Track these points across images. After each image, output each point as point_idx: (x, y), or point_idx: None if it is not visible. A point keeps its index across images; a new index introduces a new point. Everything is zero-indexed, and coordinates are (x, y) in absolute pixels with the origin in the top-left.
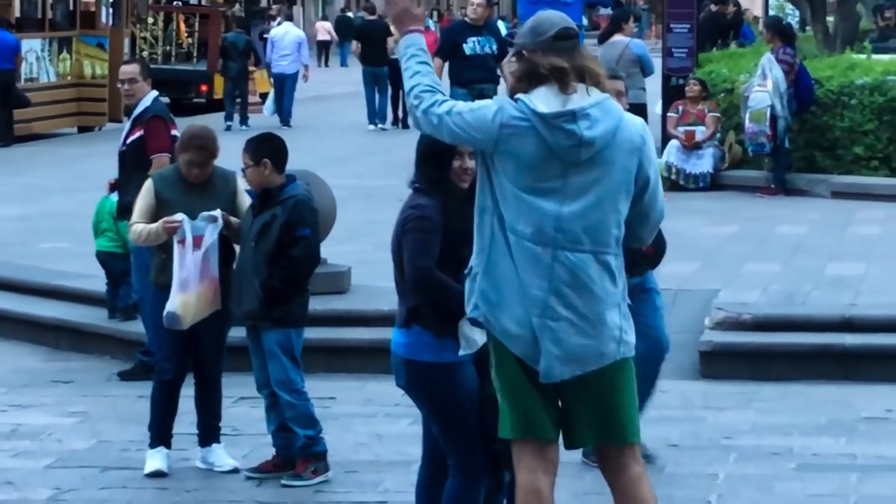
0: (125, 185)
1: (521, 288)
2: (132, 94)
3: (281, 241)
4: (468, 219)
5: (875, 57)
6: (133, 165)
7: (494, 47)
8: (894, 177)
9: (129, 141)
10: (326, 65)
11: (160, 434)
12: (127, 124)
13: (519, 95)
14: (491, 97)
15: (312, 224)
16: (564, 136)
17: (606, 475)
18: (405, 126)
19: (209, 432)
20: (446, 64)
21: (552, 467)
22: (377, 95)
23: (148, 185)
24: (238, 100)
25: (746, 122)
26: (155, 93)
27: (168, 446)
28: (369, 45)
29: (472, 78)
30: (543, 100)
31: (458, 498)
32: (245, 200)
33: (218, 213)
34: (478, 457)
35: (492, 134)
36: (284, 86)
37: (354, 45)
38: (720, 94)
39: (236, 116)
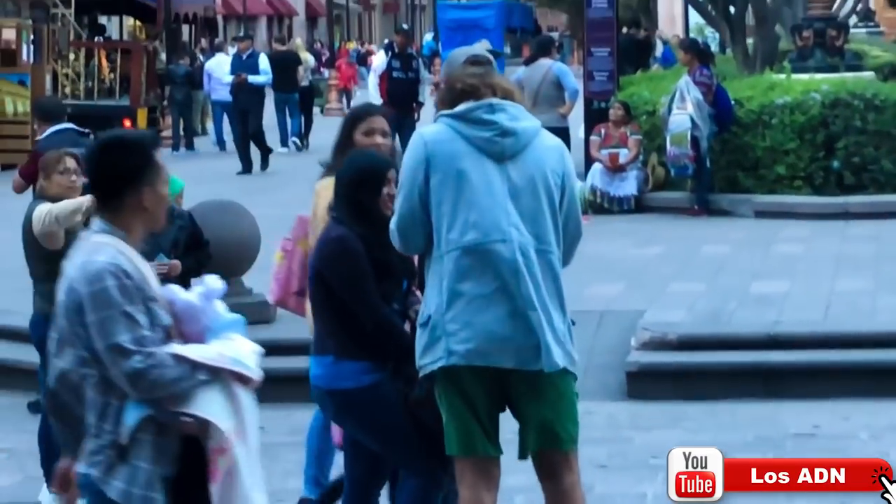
0: None
1: (494, 295)
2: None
3: (189, 248)
4: (388, 249)
5: (795, 76)
6: None
7: None
8: (816, 195)
9: None
10: None
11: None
12: None
13: (439, 113)
14: None
15: None
16: (484, 128)
17: (542, 482)
18: (305, 146)
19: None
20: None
21: (494, 483)
22: (288, 120)
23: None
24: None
25: (668, 144)
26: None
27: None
28: (281, 73)
29: None
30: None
31: (417, 499)
32: None
33: None
34: (429, 462)
35: (422, 168)
36: (225, 111)
37: None
38: (642, 117)
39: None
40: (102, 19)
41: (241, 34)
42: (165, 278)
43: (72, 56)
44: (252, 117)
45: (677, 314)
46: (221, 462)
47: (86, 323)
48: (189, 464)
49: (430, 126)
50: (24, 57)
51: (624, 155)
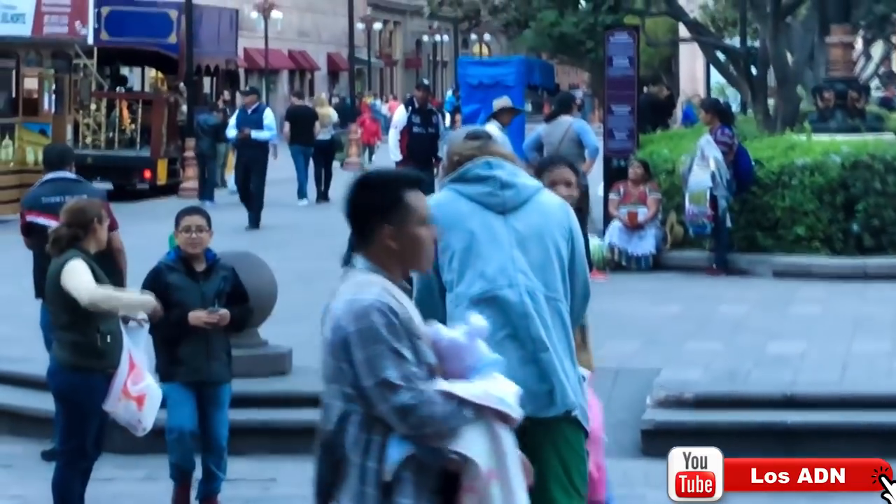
0: None
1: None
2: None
3: (230, 301)
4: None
5: (815, 137)
6: None
7: None
8: (835, 256)
9: None
10: None
11: None
12: None
13: (441, 183)
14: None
15: None
16: (483, 184)
17: None
18: (326, 199)
19: None
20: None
21: None
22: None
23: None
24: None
25: (686, 203)
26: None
27: None
28: (299, 127)
29: None
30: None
31: None
32: None
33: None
34: None
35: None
36: None
37: (286, 127)
38: (661, 175)
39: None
40: (124, 70)
41: (247, 89)
42: (213, 328)
43: (93, 106)
44: (254, 173)
45: (694, 373)
46: (469, 500)
47: (353, 360)
48: (442, 500)
49: (433, 195)
50: (46, 106)
51: (643, 213)
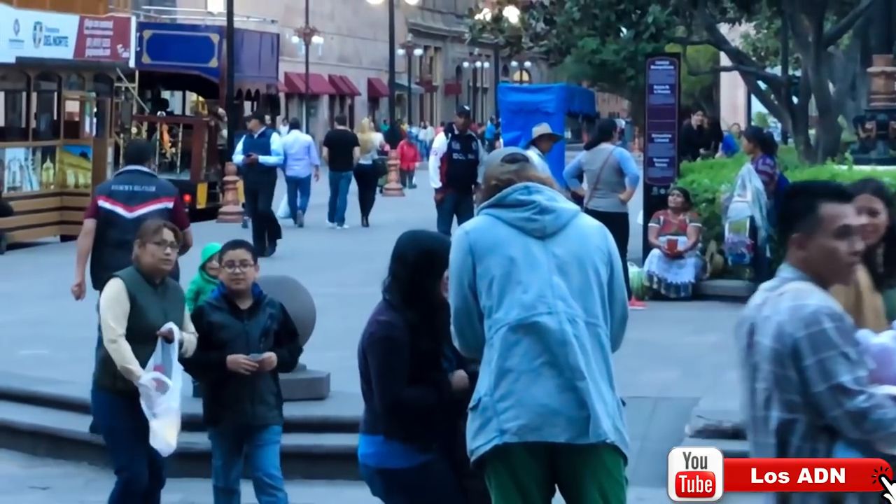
0: None
1: (542, 368)
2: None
3: (279, 341)
4: (438, 338)
5: (856, 168)
6: None
7: None
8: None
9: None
10: None
11: None
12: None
13: (479, 208)
14: None
15: None
16: (522, 209)
17: None
18: (366, 224)
19: None
20: None
21: None
22: (338, 197)
23: (118, 285)
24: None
25: (726, 232)
26: None
27: None
28: (337, 151)
29: None
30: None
31: None
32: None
33: (174, 329)
34: None
35: (469, 259)
36: (299, 188)
37: (324, 152)
38: (701, 204)
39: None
40: (165, 94)
41: (251, 113)
42: (257, 371)
43: (134, 130)
44: (262, 197)
45: (733, 403)
46: None
47: (803, 366)
48: None
49: (471, 220)
50: (87, 129)
51: (682, 242)
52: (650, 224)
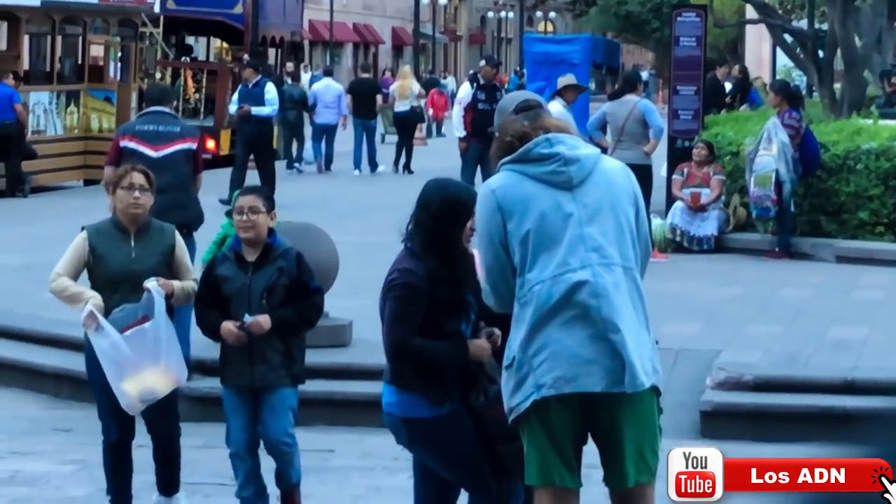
0: None
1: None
2: None
3: (292, 297)
4: (460, 286)
5: (882, 122)
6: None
7: None
8: None
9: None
10: None
11: (116, 499)
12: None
13: (500, 164)
14: None
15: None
16: (547, 163)
17: None
18: (410, 171)
19: (167, 484)
20: None
21: None
22: (364, 145)
23: (80, 236)
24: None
25: (751, 185)
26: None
27: None
28: (360, 100)
29: None
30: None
31: None
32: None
33: (152, 283)
34: (498, 492)
35: (498, 216)
36: (327, 135)
37: (348, 99)
38: (726, 157)
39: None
40: (190, 40)
41: (247, 61)
42: (249, 336)
43: (158, 75)
44: (260, 151)
45: (754, 355)
46: None
47: None
48: None
49: (494, 177)
50: (112, 74)
51: (706, 195)
52: (674, 176)
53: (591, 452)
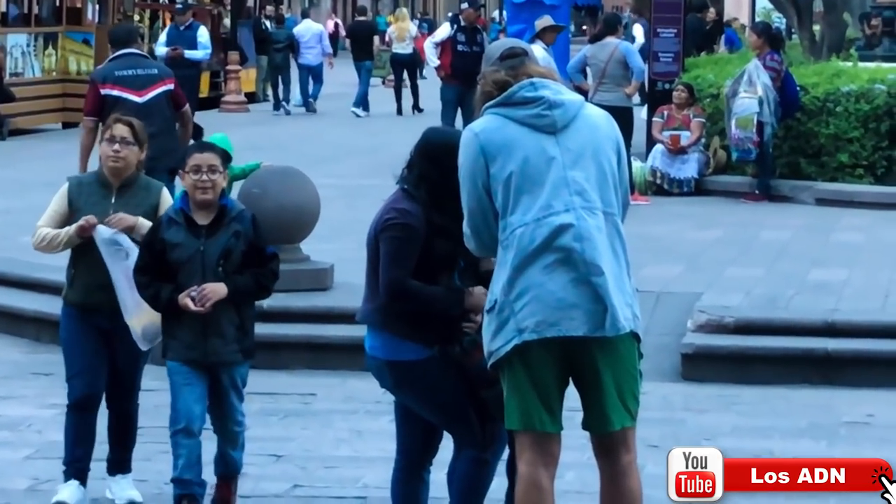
0: None
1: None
2: None
3: (247, 263)
4: (451, 239)
5: (861, 65)
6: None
7: None
8: (878, 184)
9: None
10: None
11: (71, 464)
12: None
13: (483, 108)
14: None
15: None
16: (531, 106)
17: (597, 459)
18: (419, 110)
19: (118, 462)
20: None
21: (552, 460)
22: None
23: (62, 187)
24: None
25: (732, 128)
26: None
27: (82, 481)
28: (358, 42)
29: None
30: None
31: (473, 479)
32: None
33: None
34: (482, 436)
35: (480, 160)
36: (311, 75)
37: (346, 43)
38: (706, 100)
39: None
40: None
41: (181, 4)
42: (200, 304)
43: (136, 17)
44: (185, 94)
45: (734, 298)
46: None
47: None
48: None
49: (478, 120)
50: (90, 16)
51: (686, 137)
52: (654, 119)
53: (572, 396)
